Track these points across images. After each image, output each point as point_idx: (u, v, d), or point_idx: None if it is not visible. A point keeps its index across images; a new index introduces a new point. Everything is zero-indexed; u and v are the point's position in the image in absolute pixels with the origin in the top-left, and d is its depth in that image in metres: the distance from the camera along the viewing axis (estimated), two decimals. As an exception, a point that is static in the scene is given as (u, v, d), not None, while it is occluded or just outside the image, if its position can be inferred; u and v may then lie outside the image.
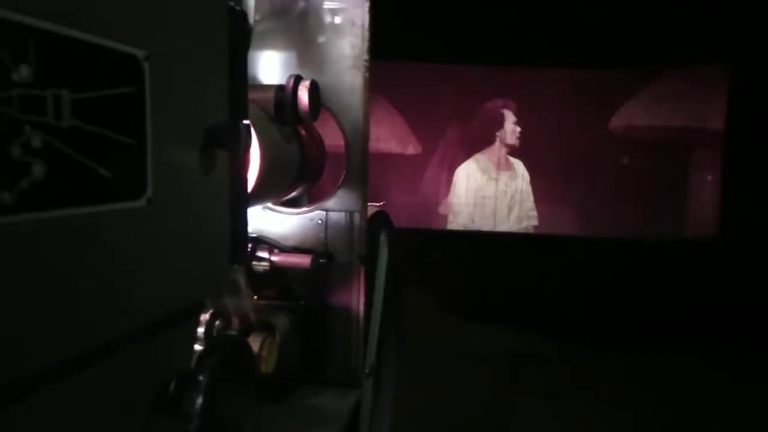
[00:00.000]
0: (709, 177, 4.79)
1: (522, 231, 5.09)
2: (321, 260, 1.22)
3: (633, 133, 4.90)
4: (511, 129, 5.06)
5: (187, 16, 0.61)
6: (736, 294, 4.26)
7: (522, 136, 5.07)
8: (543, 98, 4.98)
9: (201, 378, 0.61)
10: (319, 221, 1.34)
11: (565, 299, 4.43)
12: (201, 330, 0.91)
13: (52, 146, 0.44)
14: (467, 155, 5.16)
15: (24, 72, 0.41)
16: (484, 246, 4.90)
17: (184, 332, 0.67)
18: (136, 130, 0.53)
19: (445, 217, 5.22)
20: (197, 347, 0.71)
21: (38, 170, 0.43)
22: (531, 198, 5.10)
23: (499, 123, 5.08)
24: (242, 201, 0.79)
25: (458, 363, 3.72)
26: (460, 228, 5.15)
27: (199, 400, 0.61)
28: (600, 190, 4.95)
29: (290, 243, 1.33)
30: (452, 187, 5.20)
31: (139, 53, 0.53)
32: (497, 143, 5.08)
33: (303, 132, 1.20)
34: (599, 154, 4.96)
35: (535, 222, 5.09)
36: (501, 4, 4.32)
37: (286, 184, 1.15)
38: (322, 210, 1.34)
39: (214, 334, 0.93)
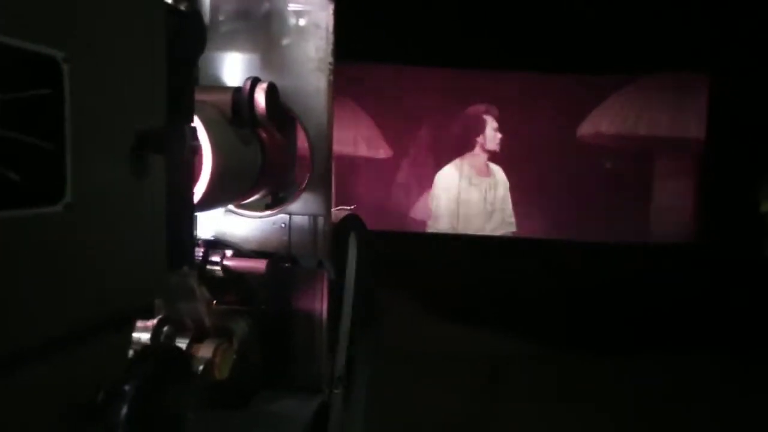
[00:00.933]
0: (688, 182, 4.85)
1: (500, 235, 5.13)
2: (281, 264, 1.20)
3: (605, 139, 4.96)
4: (491, 135, 5.09)
5: (113, 17, 0.59)
6: (714, 297, 4.30)
7: (502, 142, 5.10)
8: (522, 102, 5.01)
9: (127, 387, 0.60)
10: (282, 225, 1.33)
11: (545, 302, 4.45)
12: (147, 336, 0.90)
13: (-51, 149, 0.42)
14: (445, 160, 5.17)
15: None
16: (464, 249, 4.92)
17: (116, 339, 0.65)
18: (53, 133, 0.51)
19: (423, 223, 5.23)
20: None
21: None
22: (510, 204, 5.15)
23: (481, 128, 5.10)
24: (185, 205, 0.78)
25: (438, 365, 3.72)
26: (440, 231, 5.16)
27: (125, 410, 0.59)
28: (579, 194, 4.99)
29: (252, 246, 1.31)
30: (432, 193, 5.21)
31: (58, 54, 0.51)
32: (477, 148, 5.10)
33: (264, 135, 1.19)
34: (580, 158, 5.00)
35: (513, 228, 5.14)
36: (474, 4, 4.32)
37: (244, 187, 1.13)
38: (285, 213, 1.33)
39: (162, 341, 0.92)
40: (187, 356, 0.86)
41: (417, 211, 5.22)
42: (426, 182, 5.19)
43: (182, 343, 1.00)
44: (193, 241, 0.83)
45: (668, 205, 4.86)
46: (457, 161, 5.16)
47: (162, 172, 0.67)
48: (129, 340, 0.68)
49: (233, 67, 1.31)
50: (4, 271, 0.48)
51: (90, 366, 0.61)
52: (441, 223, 5.19)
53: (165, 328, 0.91)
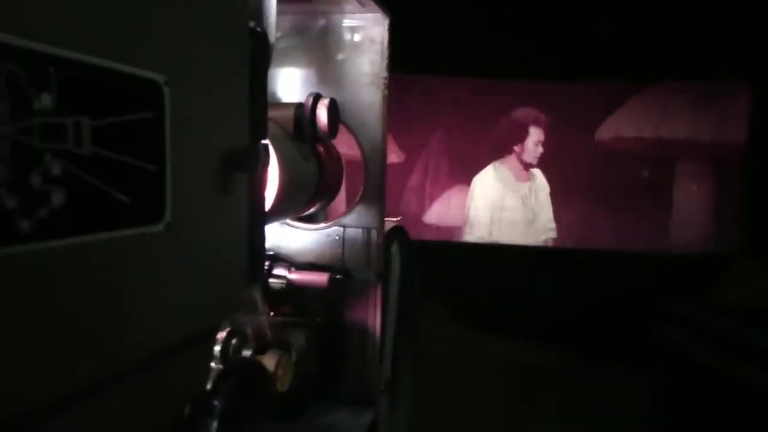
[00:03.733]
0: (733, 191, 4.70)
1: (540, 244, 5.00)
2: (338, 277, 1.21)
3: (647, 145, 4.84)
4: (531, 147, 4.94)
5: (207, 39, 0.61)
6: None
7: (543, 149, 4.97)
8: (564, 110, 4.92)
9: (216, 403, 0.61)
10: (336, 237, 1.33)
11: (584, 313, 4.36)
12: (217, 349, 0.91)
13: (72, 174, 0.44)
14: (482, 165, 5.03)
15: (45, 100, 0.41)
16: (502, 258, 4.85)
17: (201, 353, 0.67)
18: (155, 155, 0.53)
19: (459, 230, 5.11)
20: (213, 366, 0.71)
21: (57, 198, 0.43)
22: (551, 210, 4.99)
23: (521, 137, 4.98)
24: (260, 220, 0.79)
25: (475, 377, 3.68)
26: (477, 240, 5.05)
27: (215, 426, 0.60)
28: (619, 202, 4.87)
29: (307, 258, 1.33)
30: (468, 198, 5.08)
31: (160, 78, 0.53)
32: (513, 156, 4.99)
33: (321, 149, 1.20)
34: (619, 165, 4.88)
35: (553, 234, 4.98)
36: (507, 14, 4.30)
37: (304, 200, 1.15)
38: (339, 226, 1.34)
39: (230, 354, 0.93)
40: (266, 372, 0.87)
41: (452, 218, 5.12)
42: (462, 188, 5.09)
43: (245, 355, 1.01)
44: (265, 255, 0.84)
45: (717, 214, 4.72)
46: (495, 164, 5.02)
47: (243, 189, 0.69)
48: (211, 354, 0.70)
49: (289, 82, 1.33)
50: (112, 289, 0.49)
51: (177, 380, 0.62)
52: (478, 230, 5.07)
53: (233, 341, 0.92)
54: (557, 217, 4.97)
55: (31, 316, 0.41)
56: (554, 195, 4.93)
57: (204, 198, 0.61)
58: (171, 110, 0.54)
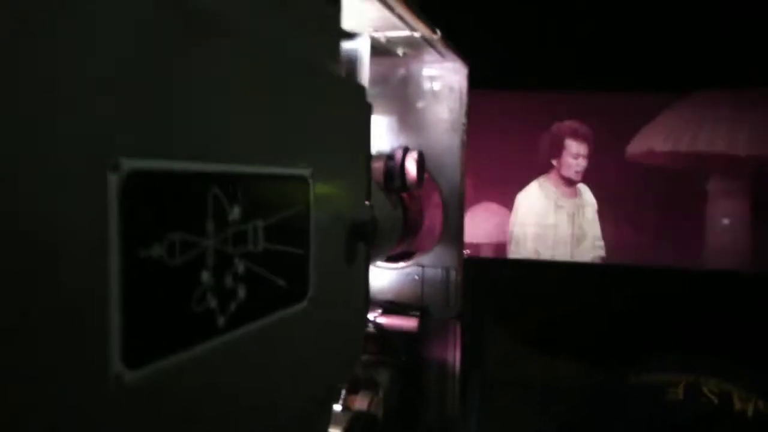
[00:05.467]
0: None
1: (589, 262, 4.84)
2: (425, 318, 1.26)
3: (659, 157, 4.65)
4: (569, 162, 4.75)
5: (340, 124, 0.68)
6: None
7: (588, 164, 4.78)
8: (611, 121, 4.77)
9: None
10: (416, 276, 1.39)
11: (649, 333, 4.23)
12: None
13: (251, 270, 0.51)
14: (526, 180, 4.89)
15: (235, 213, 0.48)
16: (551, 275, 4.75)
17: (325, 410, 0.73)
18: (303, 240, 0.60)
19: (503, 249, 4.96)
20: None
21: (241, 292, 0.49)
22: (599, 227, 4.81)
23: (556, 151, 4.81)
24: (367, 274, 0.85)
25: (541, 395, 3.63)
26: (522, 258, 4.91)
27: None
28: (670, 218, 4.70)
29: (387, 297, 1.39)
30: (513, 215, 4.94)
31: (307, 172, 0.60)
32: (554, 173, 4.82)
33: (406, 196, 1.26)
34: (669, 179, 4.70)
35: (602, 253, 4.82)
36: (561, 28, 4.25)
37: (391, 246, 1.20)
38: (418, 266, 1.39)
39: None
40: (380, 422, 0.93)
41: (495, 236, 4.98)
42: (506, 205, 4.99)
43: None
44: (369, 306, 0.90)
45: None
46: (540, 179, 4.88)
47: (363, 255, 0.75)
48: (332, 407, 0.76)
49: (372, 129, 1.40)
50: (270, 364, 0.56)
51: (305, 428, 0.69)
52: (523, 249, 4.92)
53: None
54: (604, 233, 4.82)
55: (222, 402, 0.48)
56: (601, 212, 4.79)
57: (336, 269, 0.67)
58: (314, 198, 0.61)
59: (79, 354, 0.35)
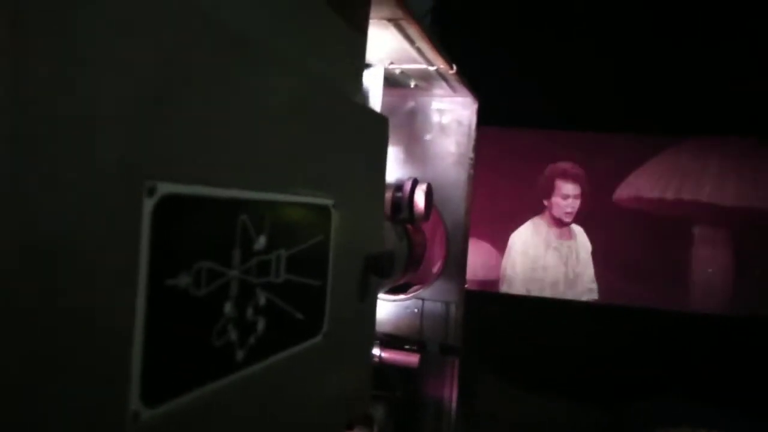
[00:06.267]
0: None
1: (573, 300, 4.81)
2: (424, 353, 1.24)
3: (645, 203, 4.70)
4: (559, 202, 4.76)
5: (362, 155, 0.67)
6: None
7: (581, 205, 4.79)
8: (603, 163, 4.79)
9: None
10: (415, 309, 1.37)
11: (636, 372, 4.20)
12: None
13: (271, 302, 0.49)
14: (521, 219, 4.89)
15: (261, 241, 0.46)
16: (541, 312, 4.72)
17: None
18: (321, 272, 0.58)
19: (495, 283, 4.93)
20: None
21: (261, 325, 0.47)
22: (592, 269, 4.81)
23: (548, 192, 4.83)
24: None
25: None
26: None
27: None
28: (657, 261, 4.70)
29: (386, 329, 1.36)
30: (506, 254, 4.92)
31: (329, 202, 0.58)
32: (547, 213, 4.83)
33: (410, 228, 1.25)
34: (665, 221, 4.74)
35: (595, 296, 4.81)
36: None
37: (396, 278, 1.18)
38: (418, 299, 1.37)
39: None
40: None
41: (487, 273, 4.95)
42: (499, 244, 4.97)
43: None
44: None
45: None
46: (535, 219, 4.88)
47: (375, 290, 0.73)
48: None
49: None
50: (287, 400, 0.53)
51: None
52: (515, 289, 4.89)
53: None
54: (598, 275, 4.81)
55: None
56: (594, 253, 4.79)
57: (351, 304, 0.65)
58: (334, 229, 0.59)
59: (100, 388, 0.32)
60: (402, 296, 1.38)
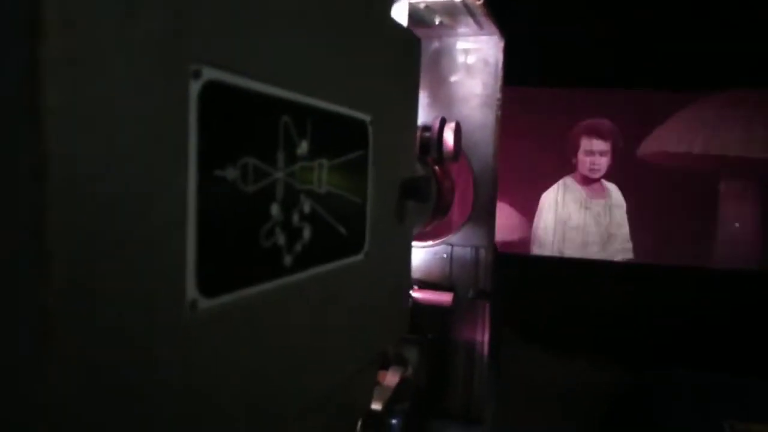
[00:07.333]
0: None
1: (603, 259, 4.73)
2: (470, 296, 1.23)
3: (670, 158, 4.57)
4: (584, 160, 4.63)
5: (397, 74, 0.65)
6: None
7: (614, 162, 4.69)
8: (636, 119, 4.68)
9: (394, 422, 0.64)
10: (444, 255, 1.36)
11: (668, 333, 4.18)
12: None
13: (315, 211, 0.48)
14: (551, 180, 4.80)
15: (303, 147, 0.45)
16: (573, 273, 4.68)
17: (373, 372, 0.70)
18: (361, 189, 0.57)
19: (526, 247, 4.88)
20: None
21: (306, 234, 0.47)
22: (627, 228, 4.69)
23: (573, 150, 4.71)
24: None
25: (553, 398, 3.60)
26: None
27: (394, 443, 0.63)
28: (697, 217, 4.62)
29: (415, 276, 1.36)
30: (537, 215, 4.84)
31: (366, 117, 0.57)
32: (577, 173, 4.71)
33: (438, 170, 1.23)
34: (695, 178, 4.62)
35: (630, 255, 4.71)
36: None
37: (423, 222, 1.17)
38: (447, 245, 1.36)
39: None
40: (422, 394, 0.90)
41: (517, 234, 4.90)
42: (531, 204, 4.90)
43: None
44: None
45: None
46: (567, 179, 4.76)
47: (412, 215, 0.72)
48: (377, 372, 0.73)
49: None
50: (327, 317, 0.53)
51: (355, 399, 0.66)
52: (546, 251, 4.80)
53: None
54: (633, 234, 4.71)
55: (284, 341, 0.45)
56: (630, 211, 4.68)
57: (389, 227, 0.64)
58: (373, 147, 0.58)
59: (159, 275, 0.32)
60: (431, 242, 1.37)
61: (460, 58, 1.33)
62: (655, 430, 2.63)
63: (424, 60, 1.35)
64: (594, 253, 4.65)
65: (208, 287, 0.35)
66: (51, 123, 0.25)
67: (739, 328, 4.05)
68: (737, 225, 4.63)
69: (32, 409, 0.26)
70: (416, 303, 1.21)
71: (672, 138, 4.55)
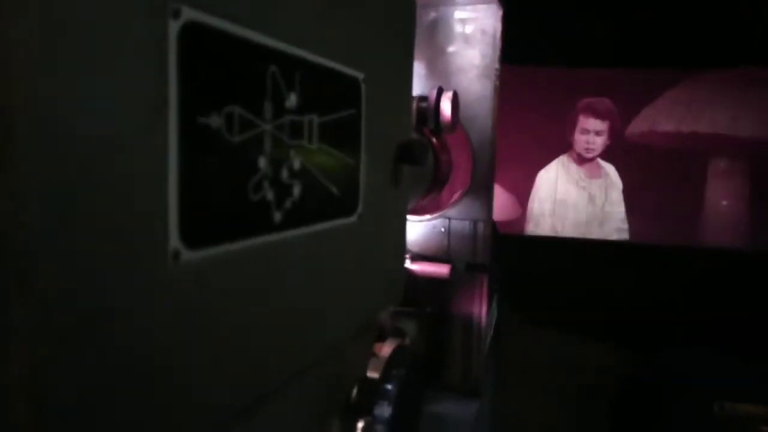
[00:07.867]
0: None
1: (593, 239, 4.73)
2: (460, 269, 1.23)
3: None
4: (580, 139, 4.60)
5: (391, 34, 0.63)
6: None
7: (611, 141, 4.66)
8: (636, 98, 4.65)
9: (390, 387, 0.64)
10: (442, 229, 1.35)
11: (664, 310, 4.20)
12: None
13: (305, 168, 0.46)
14: (547, 158, 4.76)
15: (292, 100, 0.44)
16: (570, 253, 4.69)
17: (369, 338, 0.69)
18: (354, 149, 0.55)
19: (520, 225, 4.86)
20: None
21: (297, 191, 0.46)
22: (623, 208, 4.68)
23: (570, 130, 4.68)
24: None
25: (546, 376, 3.62)
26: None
27: (389, 408, 0.63)
28: (692, 196, 4.60)
29: (413, 249, 1.35)
30: (533, 193, 4.82)
31: (359, 75, 0.55)
32: (573, 151, 4.68)
33: (435, 141, 1.21)
34: (692, 156, 4.59)
35: (626, 235, 4.70)
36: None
37: (420, 194, 1.16)
38: (444, 218, 1.35)
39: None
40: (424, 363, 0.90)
41: (513, 216, 4.88)
42: (526, 183, 4.87)
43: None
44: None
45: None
46: (563, 158, 4.73)
47: (407, 180, 0.71)
48: (374, 338, 0.73)
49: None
50: (318, 278, 0.52)
51: (350, 364, 0.65)
52: (542, 230, 4.79)
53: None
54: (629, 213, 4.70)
55: (271, 300, 0.44)
56: (626, 191, 4.66)
57: (383, 190, 0.63)
58: (365, 106, 0.56)
59: (140, 222, 0.31)
60: (428, 216, 1.36)
61: (458, 28, 1.31)
62: (643, 406, 2.64)
63: (421, 30, 1.32)
64: (588, 232, 4.66)
65: (191, 238, 0.34)
66: (19, 61, 0.23)
67: (726, 305, 4.07)
68: (725, 203, 4.61)
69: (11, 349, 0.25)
70: (414, 276, 1.21)
71: (661, 117, 4.52)
